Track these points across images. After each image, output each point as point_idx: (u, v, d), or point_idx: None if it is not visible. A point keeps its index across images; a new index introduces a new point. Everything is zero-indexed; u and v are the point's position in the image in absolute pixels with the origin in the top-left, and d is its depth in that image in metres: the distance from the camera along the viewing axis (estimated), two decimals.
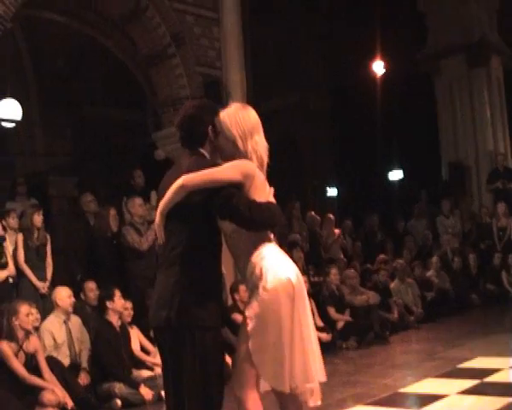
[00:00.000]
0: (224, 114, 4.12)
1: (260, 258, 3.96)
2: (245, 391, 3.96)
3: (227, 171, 3.95)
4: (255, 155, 4.05)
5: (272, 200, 4.05)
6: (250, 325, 3.91)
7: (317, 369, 4.00)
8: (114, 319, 8.27)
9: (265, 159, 4.12)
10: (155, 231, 4.13)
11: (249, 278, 4.00)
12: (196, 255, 4.00)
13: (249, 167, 3.98)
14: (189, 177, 3.90)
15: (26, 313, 7.39)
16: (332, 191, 22.42)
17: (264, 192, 4.00)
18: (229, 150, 4.09)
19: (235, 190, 3.90)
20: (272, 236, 4.11)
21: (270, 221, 3.98)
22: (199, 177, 3.91)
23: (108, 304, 8.29)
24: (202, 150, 4.17)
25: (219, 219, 4.00)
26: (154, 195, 11.56)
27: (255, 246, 3.99)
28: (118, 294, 8.35)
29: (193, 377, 3.98)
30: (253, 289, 3.96)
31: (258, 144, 4.08)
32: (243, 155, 4.04)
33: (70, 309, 8.34)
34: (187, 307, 3.95)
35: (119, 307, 8.32)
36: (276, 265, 3.94)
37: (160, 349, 4.22)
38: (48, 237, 9.40)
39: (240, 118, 4.09)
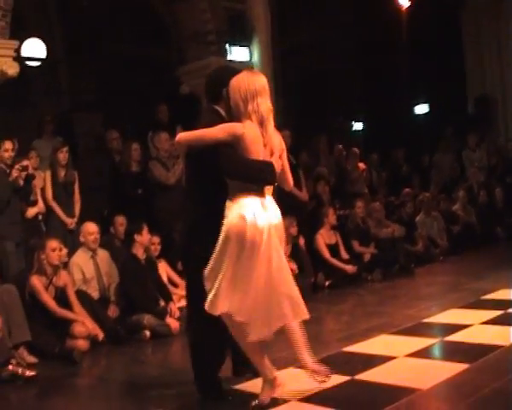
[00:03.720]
0: (233, 79, 4.64)
1: (235, 204, 4.48)
2: None
3: (214, 131, 4.57)
4: (255, 115, 4.54)
5: (276, 159, 4.59)
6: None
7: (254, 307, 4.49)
8: (140, 252, 8.34)
9: (269, 119, 4.59)
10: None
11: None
12: (194, 192, 4.95)
13: (235, 128, 4.54)
14: (182, 134, 4.80)
15: (53, 249, 7.48)
16: (357, 126, 22.31)
17: (256, 150, 4.51)
18: (235, 111, 4.65)
19: (228, 151, 4.51)
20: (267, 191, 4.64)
21: (257, 176, 4.52)
22: (190, 135, 4.72)
23: (136, 237, 8.35)
24: (217, 107, 4.90)
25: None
26: (179, 129, 11.61)
27: (240, 193, 4.51)
28: (146, 228, 8.43)
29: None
30: None
31: (260, 106, 4.55)
32: (244, 115, 4.55)
33: (93, 245, 8.42)
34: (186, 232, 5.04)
35: (146, 241, 8.40)
36: (239, 211, 4.44)
37: None
38: (76, 174, 9.44)
39: (245, 82, 4.59)
